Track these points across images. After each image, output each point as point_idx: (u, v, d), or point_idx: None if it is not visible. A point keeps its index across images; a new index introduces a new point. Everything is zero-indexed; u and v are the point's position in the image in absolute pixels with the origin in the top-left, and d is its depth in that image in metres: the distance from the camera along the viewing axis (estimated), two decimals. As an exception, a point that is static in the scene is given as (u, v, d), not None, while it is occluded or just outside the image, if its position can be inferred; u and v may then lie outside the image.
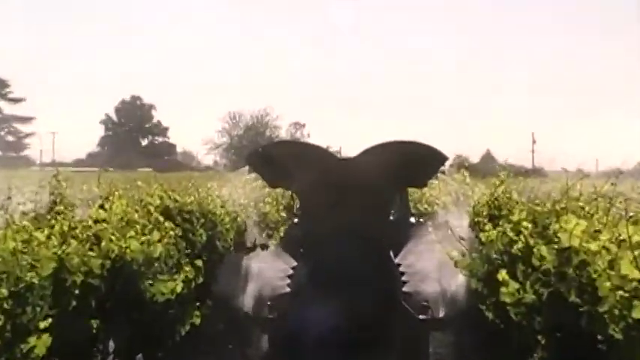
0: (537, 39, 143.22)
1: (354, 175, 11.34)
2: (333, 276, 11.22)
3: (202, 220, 10.40)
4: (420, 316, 11.44)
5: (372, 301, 11.19)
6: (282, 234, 13.89)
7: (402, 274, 12.03)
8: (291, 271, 12.16)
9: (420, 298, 11.79)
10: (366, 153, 11.69)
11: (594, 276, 4.80)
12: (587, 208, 6.79)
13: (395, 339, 11.16)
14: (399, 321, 11.25)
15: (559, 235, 5.52)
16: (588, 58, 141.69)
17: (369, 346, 11.05)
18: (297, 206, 13.51)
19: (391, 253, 12.17)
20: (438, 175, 13.23)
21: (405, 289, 11.86)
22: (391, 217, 13.15)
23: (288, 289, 11.95)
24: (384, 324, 11.17)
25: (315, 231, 11.83)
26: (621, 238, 4.70)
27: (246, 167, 12.97)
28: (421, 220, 14.66)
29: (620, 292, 4.42)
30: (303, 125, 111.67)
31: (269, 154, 12.17)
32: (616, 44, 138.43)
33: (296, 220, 13.46)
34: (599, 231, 5.02)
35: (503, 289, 7.12)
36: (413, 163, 11.37)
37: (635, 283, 4.35)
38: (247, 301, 12.40)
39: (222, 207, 11.55)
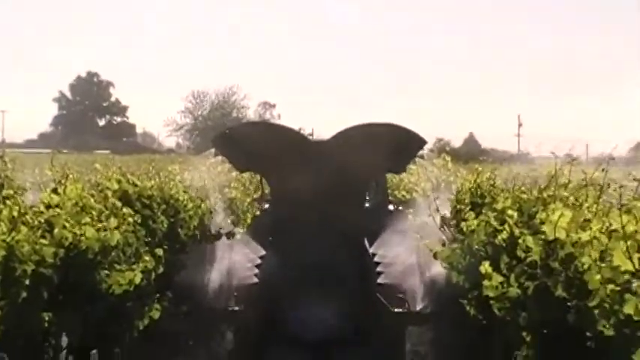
0: (525, 19, 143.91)
1: (328, 160, 11.63)
2: (303, 266, 11.52)
3: (163, 207, 10.33)
4: (396, 310, 11.60)
5: (345, 293, 11.49)
6: (249, 221, 13.86)
7: (377, 264, 12.17)
8: (259, 261, 12.26)
9: (396, 291, 11.96)
10: (340, 136, 12.16)
11: (583, 268, 4.80)
12: (573, 197, 6.80)
13: (369, 333, 11.38)
14: (373, 314, 11.47)
15: (544, 226, 5.53)
16: (577, 40, 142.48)
17: (341, 339, 11.31)
18: (267, 192, 13.56)
19: (366, 242, 12.25)
20: (418, 160, 13.35)
21: (380, 280, 12.01)
22: (367, 204, 13.22)
23: (255, 280, 12.07)
24: (357, 317, 11.44)
25: (285, 218, 12.05)
26: (612, 228, 4.71)
27: (212, 150, 12.99)
28: (400, 207, 14.67)
29: (611, 286, 4.43)
30: (273, 106, 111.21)
31: (237, 136, 12.50)
32: (606, 26, 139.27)
33: (266, 206, 13.49)
34: (588, 220, 5.02)
35: (486, 283, 7.13)
36: (389, 146, 11.70)
37: (627, 276, 4.35)
38: (211, 292, 12.33)
39: (185, 192, 11.49)
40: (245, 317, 11.67)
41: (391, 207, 14.27)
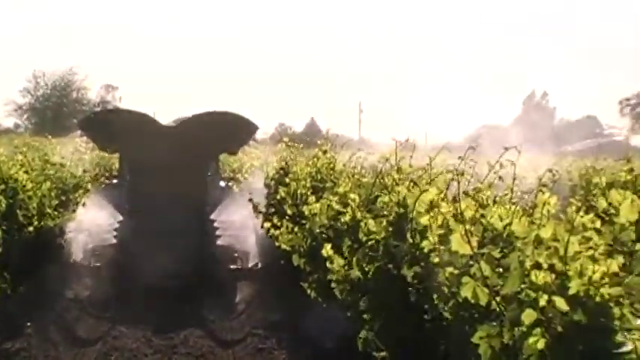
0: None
1: (175, 141, 13.65)
2: (155, 229, 13.43)
3: (2, 187, 10.06)
4: (231, 266, 13.96)
5: (190, 250, 13.45)
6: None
7: (217, 229, 14.35)
8: (117, 225, 14.30)
9: (231, 251, 14.52)
10: (186, 121, 14.49)
11: (429, 248, 4.83)
12: (412, 182, 6.84)
13: (207, 285, 13.20)
14: (211, 270, 13.52)
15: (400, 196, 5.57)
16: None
17: (184, 290, 12.95)
18: (123, 168, 15.34)
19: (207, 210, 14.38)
20: (255, 144, 15.66)
21: (218, 242, 14.25)
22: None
23: (114, 241, 14.15)
24: (198, 272, 13.33)
25: (139, 189, 13.96)
26: (453, 213, 4.78)
27: (78, 131, 15.89)
28: (229, 184, 17.06)
29: (450, 269, 4.49)
30: (116, 88, 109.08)
31: (99, 120, 14.86)
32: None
33: (119, 180, 15.67)
34: (436, 206, 5.03)
35: (328, 265, 7.16)
36: (226, 131, 14.01)
37: (464, 259, 4.41)
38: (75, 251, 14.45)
39: (25, 173, 11.20)
40: (105, 272, 13.49)
41: (222, 183, 16.50)
